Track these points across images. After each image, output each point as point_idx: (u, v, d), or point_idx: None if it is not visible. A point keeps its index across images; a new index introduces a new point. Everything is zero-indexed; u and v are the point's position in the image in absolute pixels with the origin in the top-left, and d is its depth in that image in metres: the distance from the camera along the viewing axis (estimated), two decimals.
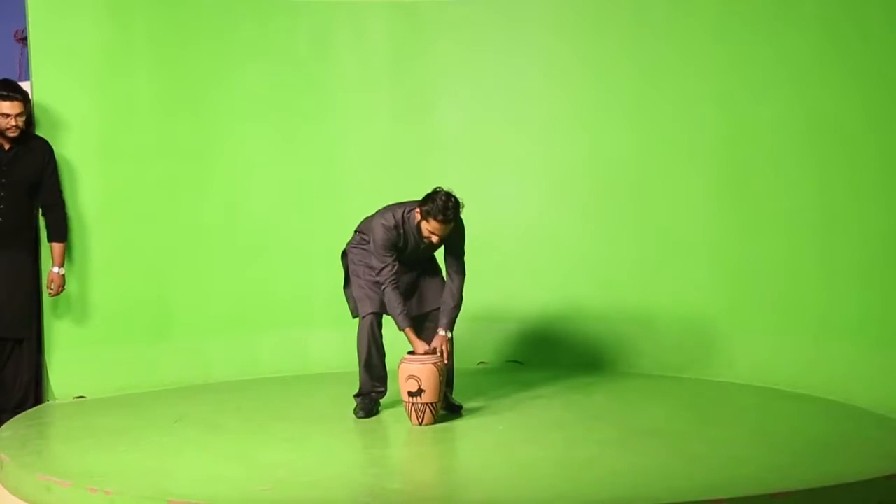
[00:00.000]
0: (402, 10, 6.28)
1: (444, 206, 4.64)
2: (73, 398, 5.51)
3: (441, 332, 4.81)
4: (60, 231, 5.47)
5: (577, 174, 6.10)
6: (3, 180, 5.26)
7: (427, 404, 4.65)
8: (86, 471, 4.08)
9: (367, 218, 4.95)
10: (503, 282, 5.85)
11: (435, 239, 4.73)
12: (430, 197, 4.67)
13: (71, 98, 5.69)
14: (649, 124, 5.92)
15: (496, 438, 4.57)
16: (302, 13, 6.22)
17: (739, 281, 5.65)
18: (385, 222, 4.77)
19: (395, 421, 4.82)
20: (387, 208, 4.84)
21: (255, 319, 6.05)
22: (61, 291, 5.44)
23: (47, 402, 5.47)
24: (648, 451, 4.28)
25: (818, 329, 5.30)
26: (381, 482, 4.07)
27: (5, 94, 5.23)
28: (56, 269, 5.41)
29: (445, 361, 4.71)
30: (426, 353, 4.68)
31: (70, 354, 5.59)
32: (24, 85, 5.69)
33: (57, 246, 5.42)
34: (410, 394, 4.64)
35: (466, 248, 4.90)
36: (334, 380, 5.65)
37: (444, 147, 6.31)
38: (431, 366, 4.64)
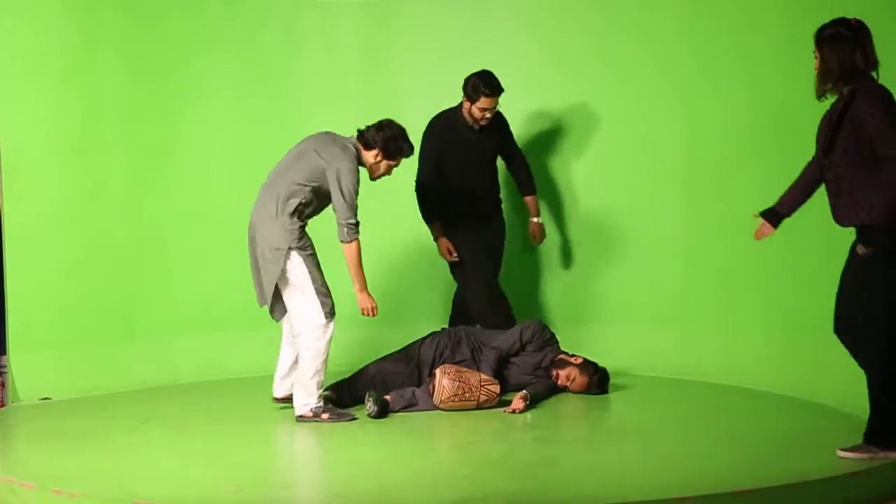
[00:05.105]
0: (371, 8, 6.28)
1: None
2: (39, 400, 5.45)
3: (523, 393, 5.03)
4: None
5: (545, 173, 6.12)
6: None
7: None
8: (51, 473, 4.04)
9: None
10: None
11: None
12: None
13: (36, 98, 5.63)
14: (617, 124, 5.96)
15: (466, 438, 4.58)
16: (270, 11, 6.20)
17: (706, 280, 5.70)
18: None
19: (366, 421, 4.82)
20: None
21: (223, 319, 6.02)
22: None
23: (12, 404, 5.41)
24: (617, 449, 4.30)
25: (784, 328, 5.36)
26: (351, 482, 4.06)
27: None
28: None
29: (477, 399, 4.91)
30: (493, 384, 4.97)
31: (35, 355, 5.53)
32: None
33: None
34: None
35: None
36: None
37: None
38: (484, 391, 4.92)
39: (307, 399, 4.75)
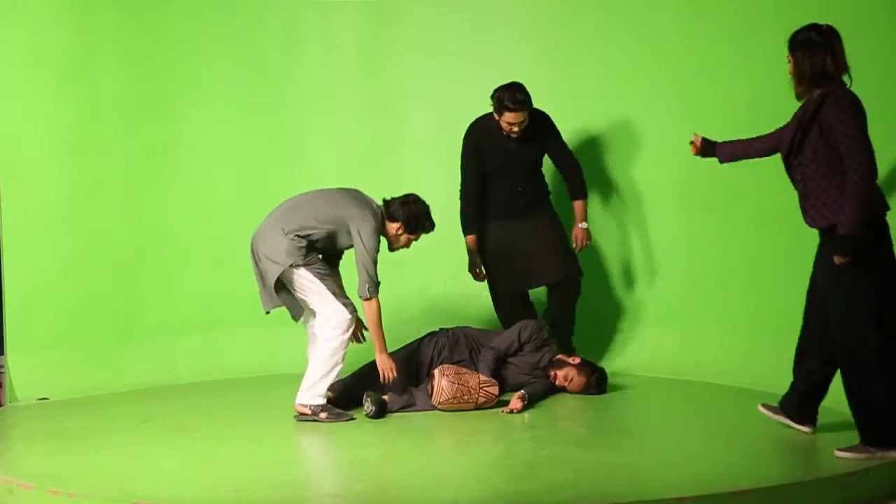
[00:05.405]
0: (370, 8, 6.28)
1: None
2: (37, 400, 5.45)
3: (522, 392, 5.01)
4: None
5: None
6: None
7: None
8: (49, 473, 4.04)
9: None
10: (470, 281, 5.85)
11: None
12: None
13: (35, 97, 5.64)
14: (616, 124, 5.95)
15: (464, 438, 4.58)
16: (270, 11, 6.20)
17: (706, 280, 5.70)
18: None
19: (364, 422, 4.82)
20: None
21: (222, 319, 6.02)
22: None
23: (10, 404, 5.41)
24: (615, 449, 4.30)
25: (783, 328, 5.35)
26: (347, 482, 4.07)
27: None
28: None
29: (475, 401, 4.92)
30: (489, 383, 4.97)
31: (33, 355, 5.53)
32: None
33: None
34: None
35: None
36: (302, 380, 5.63)
37: (411, 146, 6.31)
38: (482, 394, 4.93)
39: (309, 398, 4.77)
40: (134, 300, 5.87)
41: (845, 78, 4.05)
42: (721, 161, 4.51)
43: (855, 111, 3.95)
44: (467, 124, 6.18)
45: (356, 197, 4.93)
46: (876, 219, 3.97)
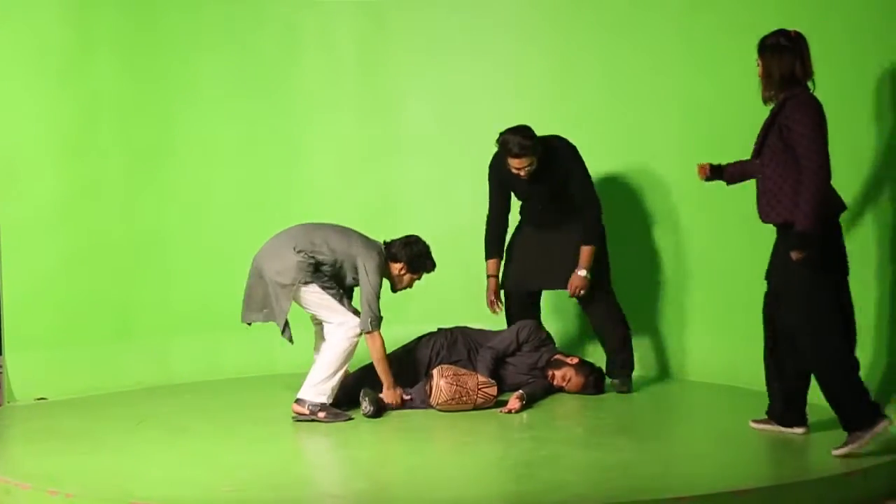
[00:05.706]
0: (369, 9, 6.28)
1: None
2: (35, 400, 5.44)
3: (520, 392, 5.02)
4: None
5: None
6: None
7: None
8: (46, 473, 4.04)
9: None
10: (468, 281, 5.85)
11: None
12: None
13: (33, 97, 5.63)
14: (615, 124, 5.95)
15: (462, 438, 4.58)
16: (268, 12, 6.19)
17: (708, 281, 5.70)
18: None
19: (362, 421, 4.82)
20: None
21: (219, 319, 6.00)
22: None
23: (8, 404, 5.40)
24: (614, 449, 4.30)
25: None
26: (346, 482, 4.07)
27: None
28: None
29: (474, 401, 4.92)
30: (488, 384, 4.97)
31: (31, 355, 5.53)
32: None
33: None
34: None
35: None
36: (300, 381, 5.62)
37: (409, 147, 6.30)
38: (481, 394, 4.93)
39: (311, 395, 4.80)
40: (132, 300, 5.86)
41: (809, 83, 4.19)
42: (728, 183, 4.63)
43: (814, 114, 4.08)
44: (465, 124, 6.20)
45: (364, 237, 5.06)
46: (831, 218, 4.11)
